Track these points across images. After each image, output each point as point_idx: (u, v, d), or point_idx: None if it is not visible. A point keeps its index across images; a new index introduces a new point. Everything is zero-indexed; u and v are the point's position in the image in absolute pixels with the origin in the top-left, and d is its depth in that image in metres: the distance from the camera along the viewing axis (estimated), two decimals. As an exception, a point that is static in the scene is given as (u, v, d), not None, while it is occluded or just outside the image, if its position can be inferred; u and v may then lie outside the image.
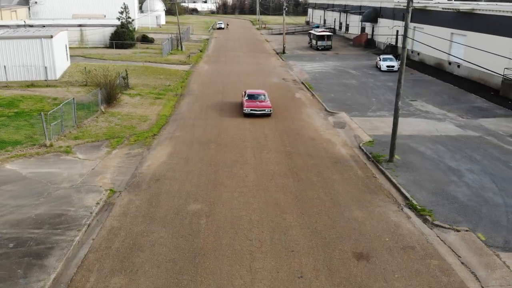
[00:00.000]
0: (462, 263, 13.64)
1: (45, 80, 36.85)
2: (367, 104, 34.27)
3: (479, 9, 42.59)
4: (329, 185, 19.15)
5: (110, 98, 31.10)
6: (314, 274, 12.70)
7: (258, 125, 28.19)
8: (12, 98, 31.74)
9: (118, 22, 65.59)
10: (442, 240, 14.88)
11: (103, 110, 29.81)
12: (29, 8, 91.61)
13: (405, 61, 21.36)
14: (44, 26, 55.82)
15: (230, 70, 49.73)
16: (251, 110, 29.50)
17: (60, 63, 39.51)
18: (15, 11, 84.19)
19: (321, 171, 20.86)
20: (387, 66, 48.10)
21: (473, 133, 27.02)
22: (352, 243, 14.43)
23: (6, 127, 25.40)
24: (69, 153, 22.00)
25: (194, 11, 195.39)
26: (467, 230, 15.45)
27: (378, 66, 49.71)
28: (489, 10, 41.03)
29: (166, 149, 23.45)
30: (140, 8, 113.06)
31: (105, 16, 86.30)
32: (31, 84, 35.96)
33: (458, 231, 15.42)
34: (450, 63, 47.37)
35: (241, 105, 31.99)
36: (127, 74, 37.20)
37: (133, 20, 71.01)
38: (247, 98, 30.72)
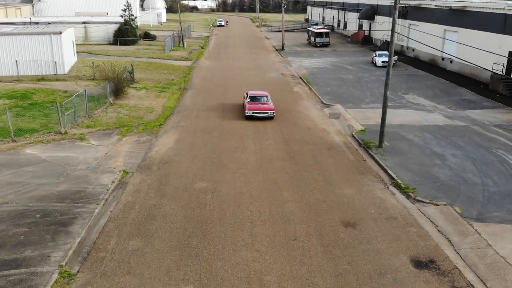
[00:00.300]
0: (439, 231, 15.44)
1: (55, 74, 38.60)
2: (361, 97, 36.02)
3: (470, 7, 44.31)
4: (323, 167, 20.93)
5: (117, 91, 32.85)
6: (307, 238, 14.52)
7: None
8: (24, 90, 33.49)
9: (121, 20, 67.24)
10: (422, 213, 16.68)
11: (112, 102, 31.57)
12: (32, 6, 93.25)
13: (393, 54, 23.06)
14: (49, 23, 57.42)
15: (231, 65, 51.45)
16: (253, 112, 28.35)
17: (68, 58, 41.26)
18: (20, 8, 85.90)
19: (315, 155, 22.64)
20: (382, 62, 49.79)
21: (460, 123, 28.79)
22: (341, 214, 16.24)
23: (22, 117, 27.15)
24: (83, 140, 23.78)
25: (194, 9, 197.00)
26: (445, 204, 17.25)
27: (374, 62, 51.44)
28: (479, 7, 42.75)
29: (172, 137, 25.23)
30: (142, 6, 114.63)
31: (107, 13, 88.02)
32: (42, 78, 37.72)
33: (437, 205, 17.22)
34: (443, 59, 49.11)
35: (242, 106, 31.27)
36: (133, 69, 38.92)
37: (136, 18, 72.60)
38: (249, 100, 29.59)
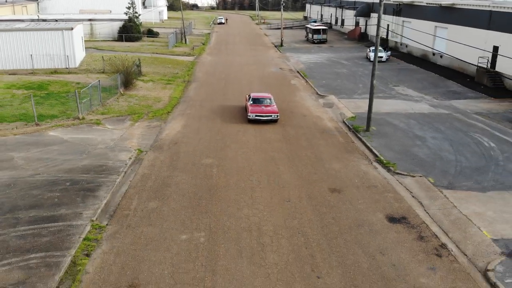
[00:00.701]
0: (413, 196, 17.98)
1: (66, 68, 41.09)
2: (354, 88, 38.52)
3: (459, 4, 46.76)
4: (315, 148, 23.46)
5: (127, 83, 35.34)
6: (298, 200, 17.06)
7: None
8: (40, 82, 35.99)
9: (125, 17, 69.67)
10: (399, 182, 19.21)
11: (122, 92, 34.07)
12: (37, 4, 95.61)
13: (378, 46, 25.54)
14: (56, 21, 59.80)
15: (232, 61, 53.92)
16: (256, 116, 27.30)
17: (78, 53, 43.74)
18: (26, 6, 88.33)
19: (309, 138, 25.16)
20: (376, 57, 52.21)
21: (444, 111, 31.31)
22: (329, 183, 18.78)
23: (41, 105, 29.63)
24: (99, 124, 26.30)
25: (195, 6, 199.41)
26: (420, 176, 19.79)
27: (368, 57, 53.88)
28: (467, 4, 45.19)
29: (179, 122, 27.74)
30: (143, 3, 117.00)
31: (110, 11, 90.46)
32: (54, 71, 40.21)
33: (413, 176, 19.76)
34: (434, 54, 51.59)
35: (244, 109, 30.47)
36: (140, 63, 41.40)
37: (139, 15, 75.01)
38: (251, 102, 28.54)
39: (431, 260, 13.49)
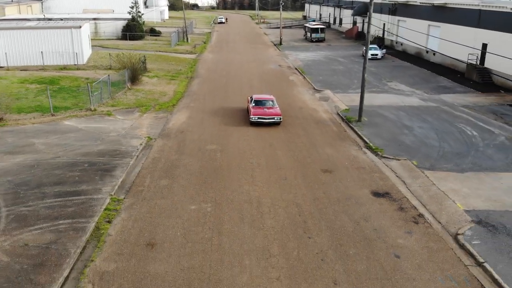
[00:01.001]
0: (397, 176, 19.96)
1: (75, 64, 43.07)
2: (349, 84, 40.50)
3: (450, 3, 48.75)
4: (310, 136, 25.45)
5: (134, 78, 37.31)
6: (294, 178, 19.06)
7: (257, 98, 34.43)
8: (51, 77, 37.95)
9: (129, 16, 71.66)
10: (386, 165, 21.20)
11: (129, 87, 36.05)
12: (42, 3, 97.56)
13: (369, 43, 27.51)
14: (62, 20, 61.76)
15: (232, 58, 55.90)
16: (258, 118, 26.88)
17: (86, 50, 45.70)
18: (30, 6, 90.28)
19: (305, 127, 27.14)
20: (372, 55, 54.15)
21: (432, 104, 33.29)
22: (321, 165, 20.78)
23: (54, 98, 31.54)
24: (110, 115, 28.27)
25: (195, 6, 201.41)
26: (405, 159, 21.78)
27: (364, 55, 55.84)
28: (458, 3, 47.18)
29: (185, 114, 29.72)
30: (145, 3, 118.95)
31: (113, 11, 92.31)
32: (64, 68, 42.19)
33: (398, 160, 21.75)
34: (427, 52, 53.58)
35: (246, 110, 30.08)
36: (145, 59, 43.37)
37: (142, 14, 77.00)
38: (253, 104, 28.11)
39: (408, 226, 15.47)
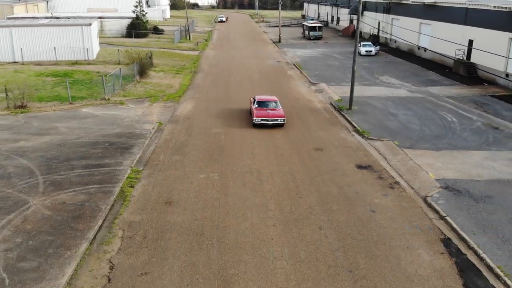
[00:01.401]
0: (379, 153, 22.71)
1: (85, 60, 45.82)
2: (343, 78, 43.24)
3: (440, 2, 51.49)
4: (305, 122, 28.19)
5: (142, 72, 40.05)
6: (289, 155, 21.85)
7: (256, 90, 37.14)
8: (64, 71, 40.69)
9: (133, 15, 74.39)
10: (370, 144, 23.95)
11: (138, 80, 38.78)
12: (47, 3, 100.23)
13: (358, 38, 30.23)
14: (69, 18, 64.49)
15: (233, 55, 58.65)
16: (261, 120, 26.33)
17: (95, 46, 48.42)
18: (37, 5, 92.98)
19: (301, 115, 29.88)
20: (366, 51, 57.04)
21: (419, 95, 36.02)
22: (314, 145, 23.55)
23: (70, 89, 34.20)
24: (123, 104, 31.01)
25: (195, 6, 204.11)
26: (388, 140, 24.53)
27: (359, 51, 58.51)
28: (447, 2, 49.92)
29: (190, 103, 32.46)
30: (147, 3, 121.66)
31: (116, 10, 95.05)
32: (75, 62, 44.92)
33: (382, 140, 24.50)
34: (419, 48, 56.35)
35: (249, 111, 29.40)
36: (151, 55, 46.10)
37: (146, 13, 79.72)
38: (256, 106, 27.58)
39: (385, 190, 18.23)
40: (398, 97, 35.00)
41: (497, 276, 12.84)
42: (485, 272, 13.08)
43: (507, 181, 19.29)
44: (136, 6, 75.48)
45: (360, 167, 20.68)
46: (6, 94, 28.94)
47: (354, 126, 27.16)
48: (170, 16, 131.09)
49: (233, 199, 17.03)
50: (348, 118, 28.68)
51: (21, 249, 13.57)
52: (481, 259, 13.63)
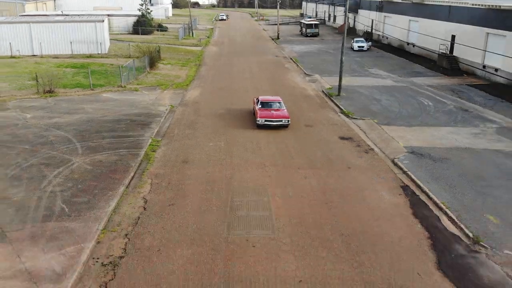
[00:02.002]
0: (360, 129, 26.72)
1: (98, 53, 49.79)
2: (336, 70, 46.93)
3: (426, 0, 55.47)
4: (298, 106, 32.21)
5: (151, 64, 44.06)
6: (284, 130, 25.87)
7: (256, 81, 41.18)
8: (81, 63, 44.69)
9: (139, 13, 78.35)
10: (353, 122, 27.97)
11: (148, 71, 42.78)
12: (54, 1, 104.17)
13: (345, 33, 34.22)
14: (79, 15, 68.42)
15: (234, 50, 62.64)
16: (265, 121, 25.99)
17: (107, 41, 52.38)
18: (45, 3, 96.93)
19: (295, 101, 33.89)
20: (358, 46, 61.01)
21: (403, 84, 40.02)
22: (305, 122, 27.60)
23: (88, 78, 38.30)
24: (138, 91, 35.01)
25: (196, 4, 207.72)
26: (369, 119, 28.54)
27: (352, 47, 62.60)
28: (432, 0, 53.91)
29: (197, 91, 36.48)
30: (150, 1, 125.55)
31: (121, 8, 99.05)
32: (89, 56, 48.92)
33: (363, 119, 28.52)
34: (408, 44, 60.35)
35: (253, 111, 29.10)
36: (159, 49, 50.10)
37: (151, 11, 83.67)
38: (260, 106, 27.25)
39: (360, 154, 22.25)
40: (383, 86, 38.99)
41: (440, 208, 16.87)
42: (432, 206, 17.10)
43: (464, 148, 23.30)
44: (142, 5, 79.38)
45: (342, 138, 24.70)
46: (37, 80, 32.91)
47: (341, 109, 31.17)
48: (172, 14, 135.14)
49: (237, 159, 21.05)
50: (336, 102, 32.70)
51: (73, 190, 17.57)
52: (430, 198, 17.66)
